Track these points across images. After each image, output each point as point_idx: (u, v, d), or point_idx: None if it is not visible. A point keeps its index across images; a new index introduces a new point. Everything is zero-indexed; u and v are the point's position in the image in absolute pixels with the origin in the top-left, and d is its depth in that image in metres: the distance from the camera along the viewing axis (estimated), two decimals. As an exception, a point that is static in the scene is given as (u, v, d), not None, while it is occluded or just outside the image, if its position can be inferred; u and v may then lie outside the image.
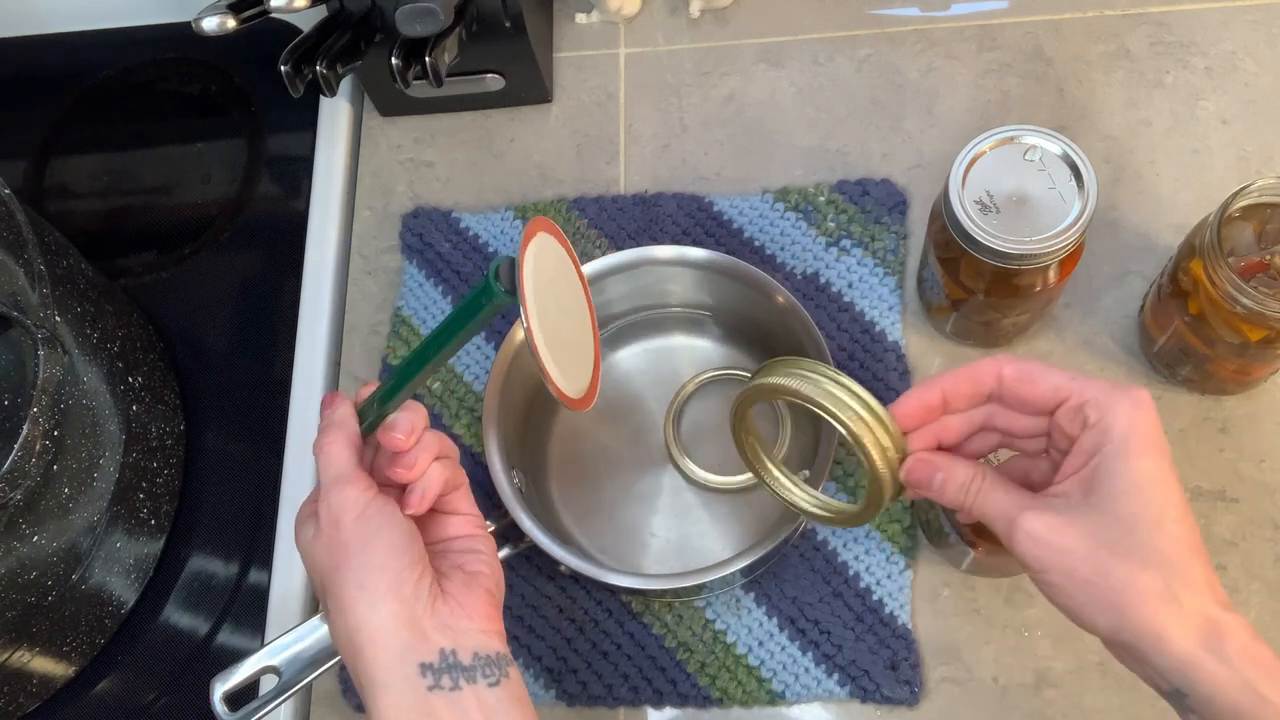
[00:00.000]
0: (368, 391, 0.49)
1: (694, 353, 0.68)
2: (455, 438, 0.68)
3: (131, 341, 0.70)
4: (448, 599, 0.46)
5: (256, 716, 0.51)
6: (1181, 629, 0.39)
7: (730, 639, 0.62)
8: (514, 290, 0.41)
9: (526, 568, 0.65)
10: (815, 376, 0.46)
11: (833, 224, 0.70)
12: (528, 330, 0.42)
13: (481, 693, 0.44)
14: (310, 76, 0.64)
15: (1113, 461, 0.41)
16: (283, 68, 0.63)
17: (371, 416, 0.49)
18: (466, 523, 0.51)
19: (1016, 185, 0.56)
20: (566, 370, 0.45)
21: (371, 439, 0.50)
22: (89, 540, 0.64)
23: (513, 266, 0.41)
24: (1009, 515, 0.43)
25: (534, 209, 0.73)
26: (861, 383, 0.65)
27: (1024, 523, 0.42)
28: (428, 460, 0.48)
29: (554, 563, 0.61)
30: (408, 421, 0.48)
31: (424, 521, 0.50)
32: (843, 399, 0.45)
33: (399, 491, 0.49)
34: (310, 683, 0.53)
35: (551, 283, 0.44)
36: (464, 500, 0.51)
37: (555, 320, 0.44)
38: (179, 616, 0.69)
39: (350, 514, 0.46)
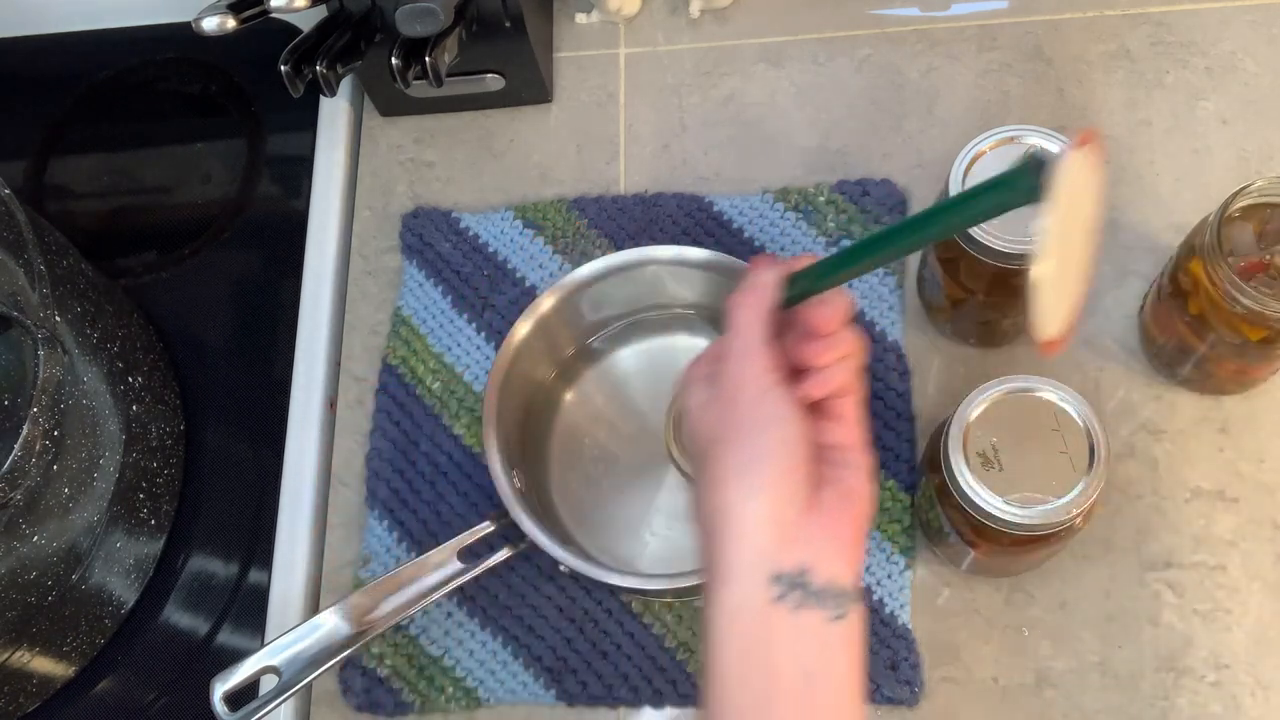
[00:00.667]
0: (802, 263, 0.46)
1: (694, 353, 0.67)
2: (455, 438, 0.68)
3: (131, 341, 0.70)
4: (819, 512, 0.43)
5: (256, 716, 0.51)
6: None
7: (730, 639, 0.62)
8: (1039, 193, 0.36)
9: (526, 568, 0.65)
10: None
11: (833, 224, 0.70)
12: (1041, 253, 0.37)
13: (821, 623, 0.42)
14: (310, 76, 0.64)
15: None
16: (283, 68, 0.63)
17: (799, 289, 0.45)
18: (849, 434, 0.46)
19: (1016, 185, 0.56)
20: (1054, 309, 0.40)
21: (787, 315, 0.46)
22: (89, 540, 0.64)
23: (1046, 168, 0.37)
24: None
25: (534, 209, 0.73)
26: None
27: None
28: (841, 352, 0.45)
29: (554, 563, 0.61)
30: (839, 305, 0.44)
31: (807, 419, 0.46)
32: None
33: (792, 377, 0.45)
34: (310, 683, 0.53)
35: (1075, 203, 0.39)
36: (852, 409, 0.47)
37: (1064, 249, 0.39)
38: (179, 616, 0.69)
39: (751, 391, 0.43)
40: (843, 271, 0.45)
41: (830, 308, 0.44)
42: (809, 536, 0.42)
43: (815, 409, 0.46)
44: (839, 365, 0.45)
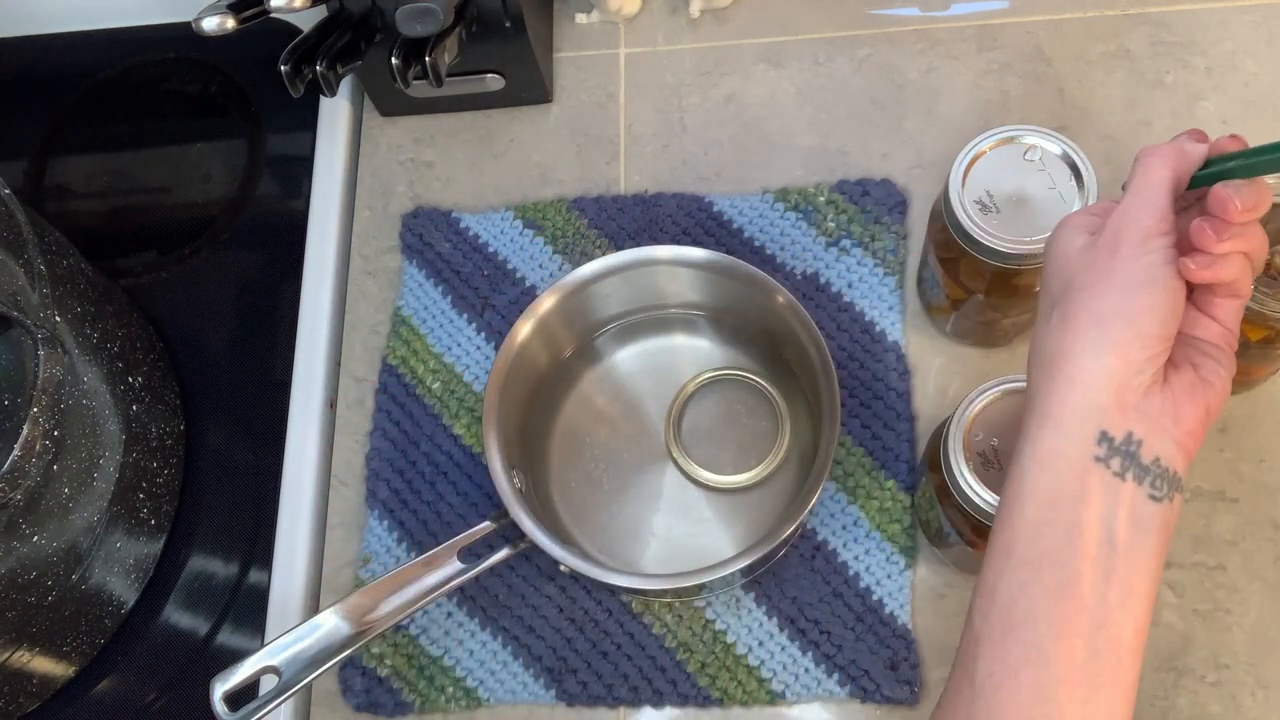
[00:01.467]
0: (1232, 146, 0.43)
1: (694, 353, 0.68)
2: (455, 438, 0.68)
3: (131, 341, 0.70)
4: (1167, 391, 0.41)
5: (256, 716, 0.51)
6: None
7: (730, 639, 0.62)
8: None
9: (526, 568, 0.65)
10: None
11: (833, 224, 0.70)
12: None
13: (1140, 499, 0.40)
14: (310, 76, 0.64)
15: None
16: (283, 68, 0.63)
17: (1217, 169, 0.43)
18: (1222, 335, 0.43)
19: (1016, 185, 0.56)
20: None
21: (1194, 195, 0.44)
22: (89, 540, 0.64)
23: None
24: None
25: (534, 209, 0.73)
26: (861, 383, 0.65)
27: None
28: (1243, 245, 0.42)
29: (554, 563, 0.61)
30: (1254, 196, 0.41)
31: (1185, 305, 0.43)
32: None
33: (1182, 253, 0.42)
34: (310, 683, 0.53)
35: None
36: (1234, 314, 0.44)
37: None
38: (179, 616, 0.69)
39: (1135, 246, 0.41)
40: (1267, 156, 0.41)
41: (1247, 193, 0.41)
42: (1149, 409, 0.40)
43: (1195, 299, 0.43)
44: (1235, 258, 0.42)
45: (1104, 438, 0.40)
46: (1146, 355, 0.40)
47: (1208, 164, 0.43)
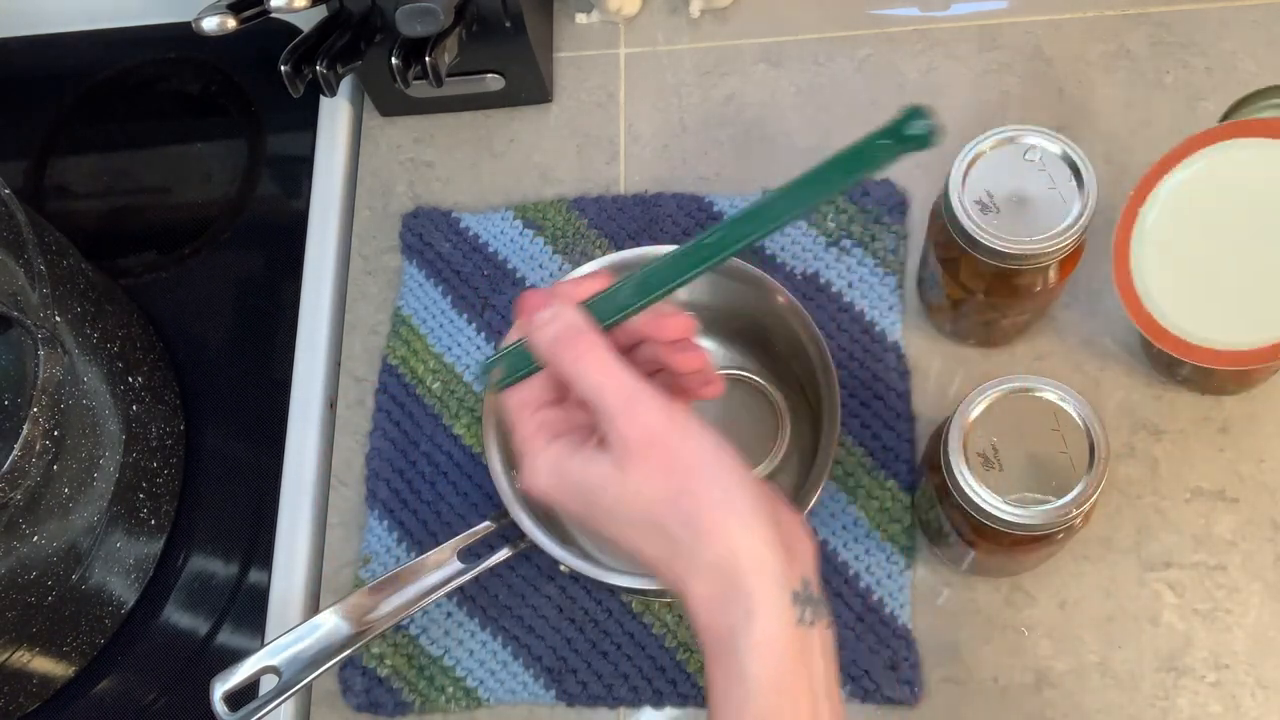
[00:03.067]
0: (589, 287, 0.43)
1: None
2: (455, 438, 0.68)
3: (131, 341, 0.70)
4: (785, 514, 0.40)
5: (256, 716, 0.51)
6: None
7: (730, 639, 0.62)
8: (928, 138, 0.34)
9: (526, 568, 0.65)
10: None
11: (833, 224, 0.70)
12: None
13: (824, 631, 0.40)
14: (310, 76, 0.64)
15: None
16: (283, 68, 0.63)
17: (624, 307, 0.43)
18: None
19: (1016, 185, 0.56)
20: (1203, 316, 0.38)
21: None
22: (89, 540, 0.64)
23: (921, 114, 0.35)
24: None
25: (534, 209, 0.73)
26: (861, 383, 0.65)
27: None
28: (702, 356, 0.43)
29: (554, 563, 0.61)
30: (681, 319, 0.42)
31: None
32: None
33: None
34: (310, 683, 0.53)
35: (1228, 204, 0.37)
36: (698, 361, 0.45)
37: (1211, 250, 0.38)
38: (179, 616, 0.69)
39: (676, 430, 0.39)
40: (683, 276, 0.42)
41: (676, 318, 0.43)
42: (792, 544, 0.40)
43: (673, 378, 0.45)
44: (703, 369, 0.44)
45: (795, 598, 0.39)
46: (769, 495, 0.40)
47: (598, 306, 0.43)
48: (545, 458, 0.42)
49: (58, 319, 0.59)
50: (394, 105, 0.77)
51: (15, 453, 0.54)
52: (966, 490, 0.52)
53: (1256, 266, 0.38)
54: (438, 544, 0.59)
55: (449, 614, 0.65)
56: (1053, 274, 0.58)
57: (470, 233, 0.73)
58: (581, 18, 0.79)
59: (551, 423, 0.43)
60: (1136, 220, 0.39)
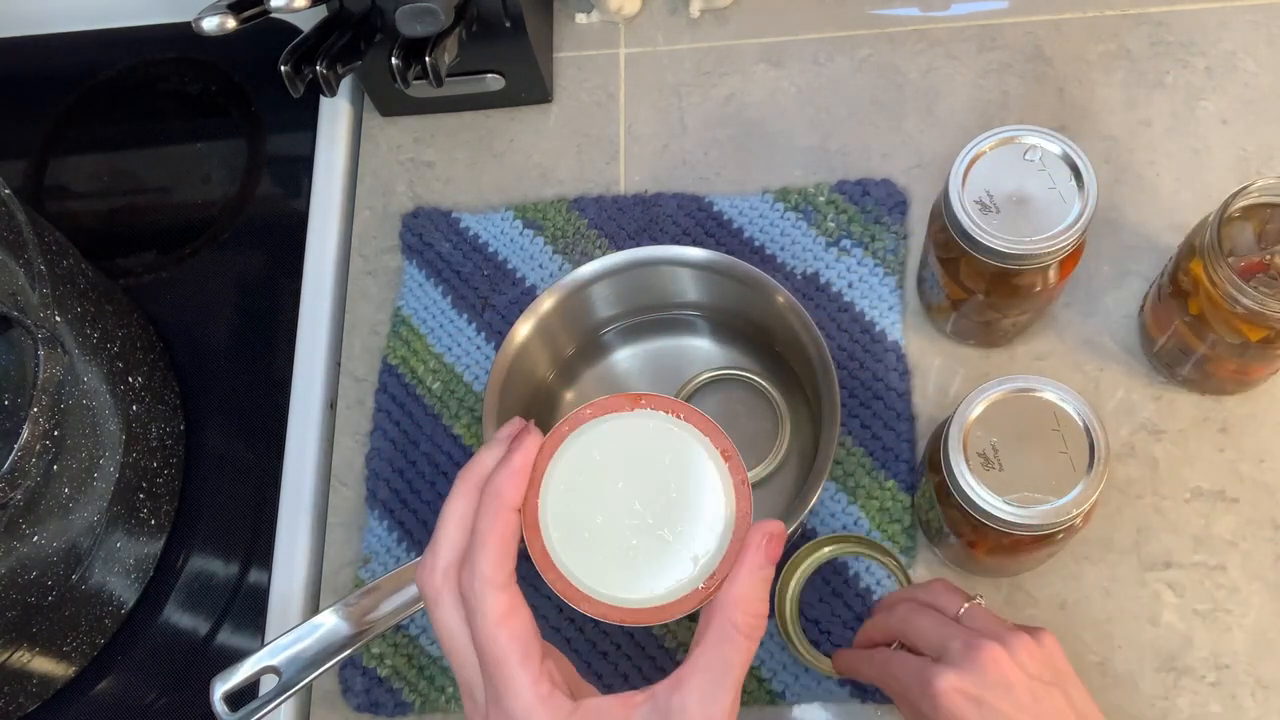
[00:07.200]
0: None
1: (694, 353, 0.68)
2: (455, 438, 0.68)
3: (131, 341, 0.70)
4: None
5: (256, 716, 0.51)
6: None
7: (730, 639, 0.62)
8: None
9: (526, 567, 0.65)
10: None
11: (833, 224, 0.70)
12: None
13: None
14: (310, 76, 0.64)
15: None
16: (283, 68, 0.63)
17: None
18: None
19: (1016, 185, 0.56)
20: (600, 573, 0.43)
21: None
22: (89, 540, 0.64)
23: None
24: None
25: (534, 209, 0.73)
26: (861, 383, 0.65)
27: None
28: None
29: (554, 563, 0.61)
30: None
31: None
32: None
33: None
34: (310, 683, 0.53)
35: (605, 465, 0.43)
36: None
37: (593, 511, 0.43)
38: (179, 616, 0.69)
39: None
40: None
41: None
42: None
43: None
44: None
45: None
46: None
47: None
48: None
49: (58, 319, 0.59)
50: (394, 105, 0.77)
51: (15, 453, 0.54)
52: (966, 490, 0.52)
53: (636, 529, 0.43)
54: (438, 544, 0.59)
55: (449, 614, 0.65)
56: (1053, 274, 0.58)
57: (470, 233, 0.73)
58: (581, 18, 0.79)
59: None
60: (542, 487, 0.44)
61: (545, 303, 0.63)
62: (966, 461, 0.53)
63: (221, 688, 0.51)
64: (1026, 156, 0.57)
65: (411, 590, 0.57)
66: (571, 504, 0.43)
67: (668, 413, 0.43)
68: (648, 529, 0.42)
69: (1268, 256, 0.56)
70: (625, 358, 0.68)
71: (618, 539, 0.43)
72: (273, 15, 0.63)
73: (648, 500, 0.43)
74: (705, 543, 0.42)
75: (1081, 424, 0.53)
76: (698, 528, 0.42)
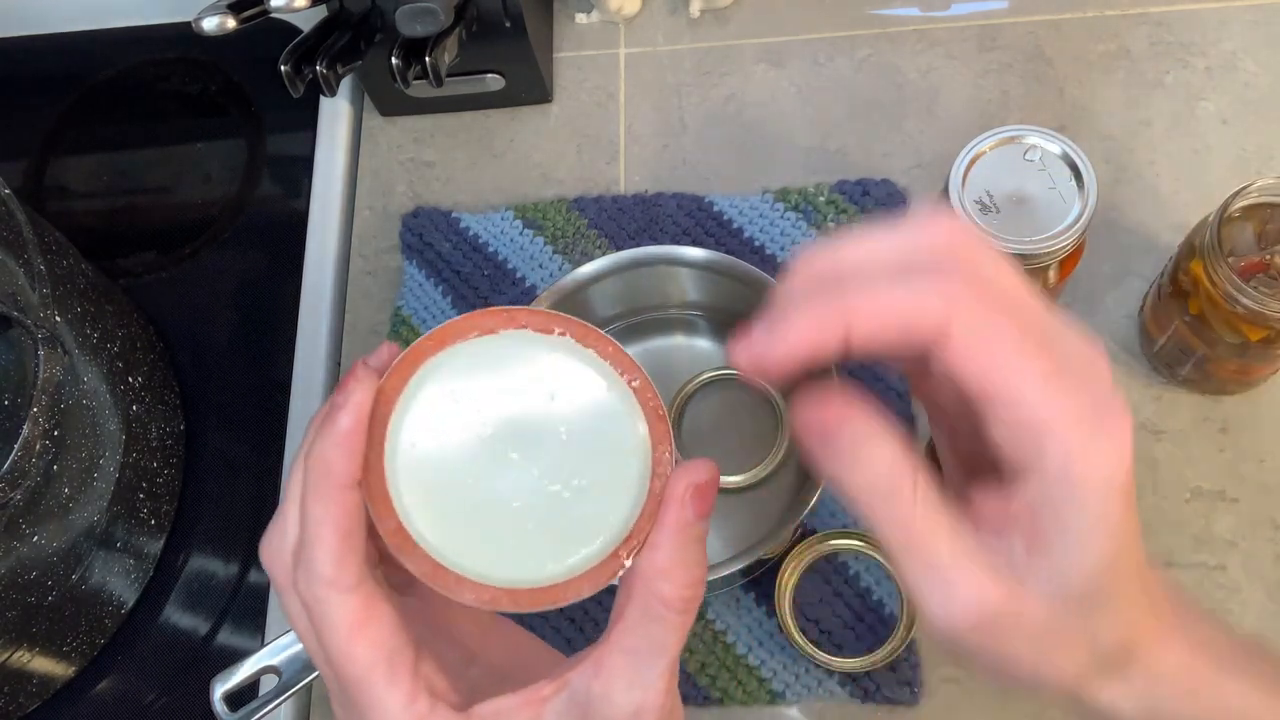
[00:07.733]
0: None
1: (693, 353, 0.68)
2: (455, 438, 0.68)
3: (131, 341, 0.70)
4: None
5: (256, 716, 0.51)
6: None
7: (730, 639, 0.62)
8: None
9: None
10: None
11: (833, 224, 0.70)
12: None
13: None
14: (310, 76, 0.64)
15: (1081, 537, 0.32)
16: (283, 68, 0.63)
17: None
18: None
19: (1016, 185, 0.56)
20: (478, 548, 0.33)
21: None
22: (89, 540, 0.64)
23: None
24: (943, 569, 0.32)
25: (534, 209, 0.73)
26: (861, 383, 0.65)
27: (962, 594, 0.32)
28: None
29: (554, 563, 0.61)
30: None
31: None
32: None
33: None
34: (310, 683, 0.52)
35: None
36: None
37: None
38: (179, 616, 0.69)
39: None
40: None
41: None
42: None
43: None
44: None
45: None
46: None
47: None
48: None
49: (58, 319, 0.59)
50: (394, 105, 0.77)
51: (15, 453, 0.54)
52: (966, 490, 0.52)
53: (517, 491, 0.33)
54: (438, 544, 0.59)
55: (449, 614, 0.65)
56: (1053, 274, 0.58)
57: (470, 233, 0.73)
58: (581, 18, 0.79)
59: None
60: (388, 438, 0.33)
61: (545, 303, 0.63)
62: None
63: (221, 688, 0.51)
64: (1026, 156, 0.57)
65: (411, 590, 0.57)
66: (430, 463, 0.33)
67: (540, 330, 0.33)
68: (535, 485, 0.33)
69: (1268, 256, 0.56)
70: (625, 358, 0.68)
71: (498, 502, 0.33)
72: (273, 15, 0.63)
73: (530, 447, 0.33)
74: (615, 497, 0.33)
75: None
76: (601, 477, 0.33)
